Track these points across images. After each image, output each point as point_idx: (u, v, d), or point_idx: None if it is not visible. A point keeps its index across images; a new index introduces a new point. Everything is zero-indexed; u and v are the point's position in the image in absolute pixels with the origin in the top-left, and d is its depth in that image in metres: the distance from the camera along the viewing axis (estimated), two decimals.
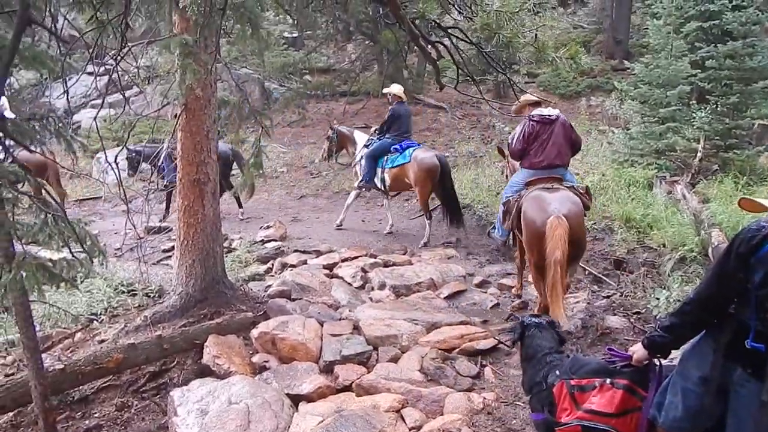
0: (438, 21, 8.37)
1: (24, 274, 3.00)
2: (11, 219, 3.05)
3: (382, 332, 5.05)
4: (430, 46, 5.36)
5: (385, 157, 8.45)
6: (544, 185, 5.18)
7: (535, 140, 5.37)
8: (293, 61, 16.05)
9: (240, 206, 9.96)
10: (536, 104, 5.65)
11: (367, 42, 15.85)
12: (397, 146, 8.35)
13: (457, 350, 4.85)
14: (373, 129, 9.14)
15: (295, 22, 15.34)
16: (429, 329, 5.21)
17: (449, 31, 6.15)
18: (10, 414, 4.19)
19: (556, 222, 4.62)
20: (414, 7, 9.25)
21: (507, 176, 6.69)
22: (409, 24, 4.90)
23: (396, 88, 8.63)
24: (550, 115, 5.41)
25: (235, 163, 9.56)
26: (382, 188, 8.69)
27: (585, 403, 2.64)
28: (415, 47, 6.36)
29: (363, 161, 8.72)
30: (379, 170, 8.53)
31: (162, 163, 9.47)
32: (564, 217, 4.65)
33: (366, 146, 8.83)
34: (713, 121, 8.75)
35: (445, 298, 6.10)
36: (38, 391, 3.53)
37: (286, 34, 17.41)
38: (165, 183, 9.55)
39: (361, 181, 8.81)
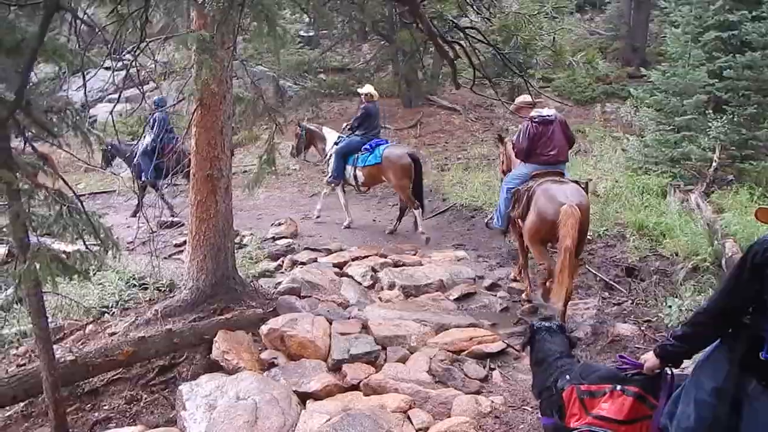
0: (455, 21, 8.38)
1: (38, 266, 3.02)
2: (27, 210, 3.07)
3: (391, 332, 5.05)
4: (447, 46, 5.36)
5: (355, 156, 8.75)
6: (552, 178, 5.57)
7: (539, 140, 5.77)
8: (308, 59, 16.11)
9: None
10: (531, 104, 6.16)
11: (382, 42, 15.86)
12: (367, 145, 8.66)
13: (465, 352, 4.85)
14: (344, 125, 9.42)
15: (312, 20, 15.39)
16: (437, 331, 5.22)
17: (466, 31, 6.15)
18: (21, 404, 4.23)
19: (570, 210, 4.99)
20: (432, 7, 9.27)
21: (503, 162, 6.96)
22: (428, 23, 4.90)
23: (368, 88, 9.03)
24: (549, 115, 5.85)
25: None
26: (354, 184, 8.95)
27: (594, 409, 2.63)
28: (431, 48, 6.37)
29: (333, 158, 8.98)
30: (349, 168, 8.82)
31: (137, 159, 9.60)
32: (576, 206, 5.03)
33: (336, 143, 9.08)
34: (729, 131, 8.67)
35: (454, 300, 6.08)
36: (49, 382, 3.55)
37: (302, 33, 17.45)
38: (142, 180, 9.75)
39: (329, 177, 9.05)
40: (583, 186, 5.71)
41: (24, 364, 4.75)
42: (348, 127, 9.15)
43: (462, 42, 6.02)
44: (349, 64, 18.05)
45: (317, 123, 10.72)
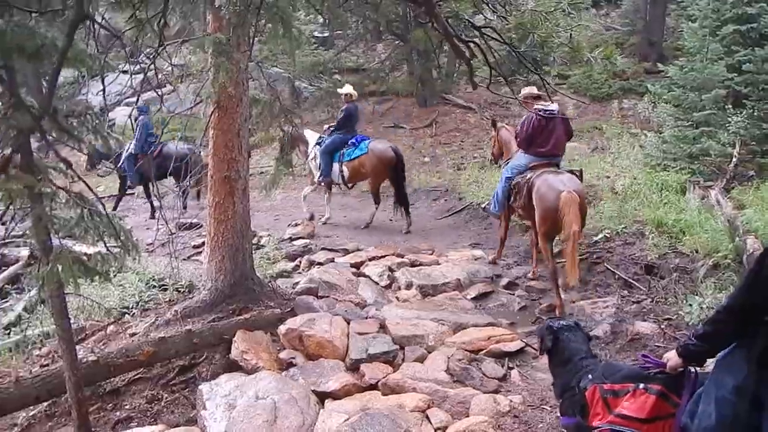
0: (471, 20, 8.36)
1: (60, 267, 3.06)
2: (49, 213, 3.12)
3: (409, 332, 5.05)
4: (463, 45, 5.36)
5: (341, 152, 9.03)
6: (548, 169, 6.00)
7: (541, 132, 6.17)
8: (323, 60, 16.12)
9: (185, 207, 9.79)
10: (537, 96, 6.52)
11: (396, 42, 15.85)
12: (353, 140, 8.98)
13: (483, 352, 4.83)
14: (326, 126, 9.69)
15: (326, 21, 15.42)
16: (455, 330, 5.21)
17: (482, 30, 6.14)
18: (45, 404, 4.29)
19: (570, 197, 5.39)
20: (447, 6, 9.24)
21: (494, 145, 7.47)
22: (444, 22, 4.89)
23: (348, 89, 9.24)
24: (553, 111, 6.23)
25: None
26: (341, 181, 9.21)
27: (617, 408, 2.61)
28: (446, 47, 6.40)
29: (318, 158, 9.21)
30: (335, 165, 9.09)
31: (122, 163, 9.78)
32: (575, 192, 5.45)
33: (318, 144, 9.31)
34: (750, 125, 8.55)
35: (471, 299, 6.08)
36: (72, 382, 3.60)
37: (316, 34, 17.48)
38: (128, 184, 10.29)
39: (319, 176, 9.29)
40: (576, 175, 6.14)
41: (47, 365, 4.82)
42: (330, 128, 9.41)
43: (477, 40, 6.00)
44: (363, 64, 18.04)
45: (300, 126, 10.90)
